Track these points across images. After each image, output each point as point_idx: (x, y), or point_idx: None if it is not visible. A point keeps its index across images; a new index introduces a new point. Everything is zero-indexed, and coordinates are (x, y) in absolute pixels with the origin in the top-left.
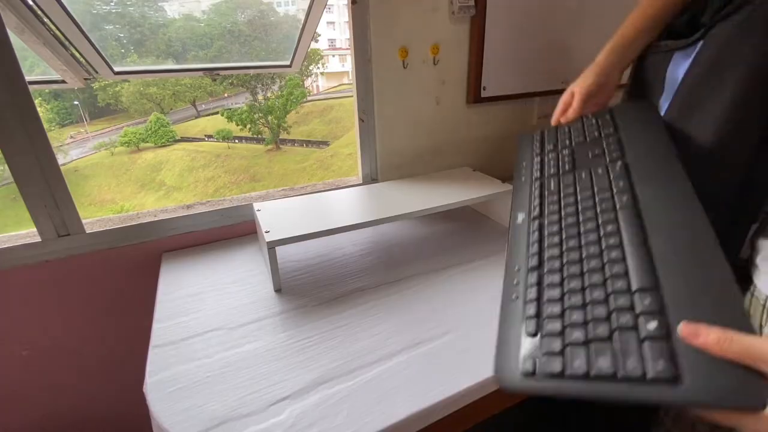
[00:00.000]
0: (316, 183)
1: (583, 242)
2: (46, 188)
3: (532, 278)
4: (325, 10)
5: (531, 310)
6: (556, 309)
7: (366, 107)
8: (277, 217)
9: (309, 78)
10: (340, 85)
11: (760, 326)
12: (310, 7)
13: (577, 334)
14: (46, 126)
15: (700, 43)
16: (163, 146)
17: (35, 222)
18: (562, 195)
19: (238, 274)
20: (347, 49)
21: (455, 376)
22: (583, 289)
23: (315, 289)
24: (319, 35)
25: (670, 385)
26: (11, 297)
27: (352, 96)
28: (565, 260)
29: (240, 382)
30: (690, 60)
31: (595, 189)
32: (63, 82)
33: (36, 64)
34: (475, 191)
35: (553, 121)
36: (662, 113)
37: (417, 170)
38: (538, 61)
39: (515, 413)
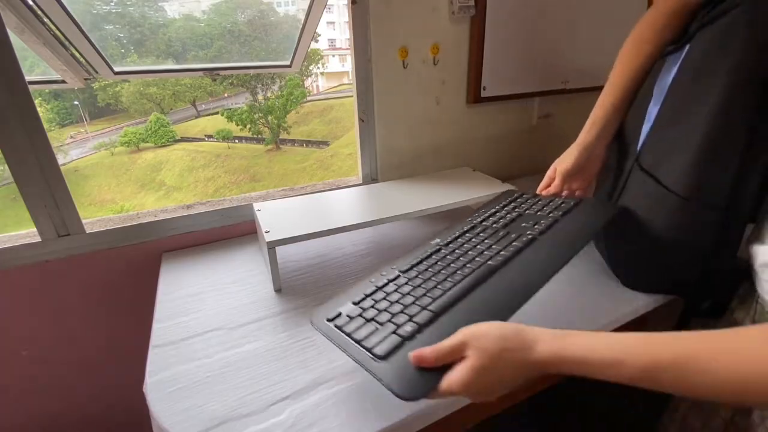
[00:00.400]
0: (316, 183)
1: (442, 270)
2: (46, 188)
3: (392, 275)
4: (325, 10)
5: (368, 290)
6: (379, 296)
7: (366, 107)
8: (277, 217)
9: (309, 78)
10: (340, 85)
11: None
12: (310, 7)
13: (371, 313)
14: (46, 126)
15: (687, 47)
16: (163, 146)
17: (35, 222)
18: (474, 239)
19: (238, 274)
20: (347, 49)
21: None
22: (407, 294)
23: (315, 289)
24: (319, 35)
25: (377, 361)
26: (11, 297)
27: (352, 96)
28: (420, 275)
29: (240, 382)
30: (677, 65)
31: (494, 245)
32: (63, 82)
33: (36, 64)
34: (475, 191)
35: (537, 191)
36: (651, 120)
37: (417, 170)
38: (538, 61)
39: (515, 413)
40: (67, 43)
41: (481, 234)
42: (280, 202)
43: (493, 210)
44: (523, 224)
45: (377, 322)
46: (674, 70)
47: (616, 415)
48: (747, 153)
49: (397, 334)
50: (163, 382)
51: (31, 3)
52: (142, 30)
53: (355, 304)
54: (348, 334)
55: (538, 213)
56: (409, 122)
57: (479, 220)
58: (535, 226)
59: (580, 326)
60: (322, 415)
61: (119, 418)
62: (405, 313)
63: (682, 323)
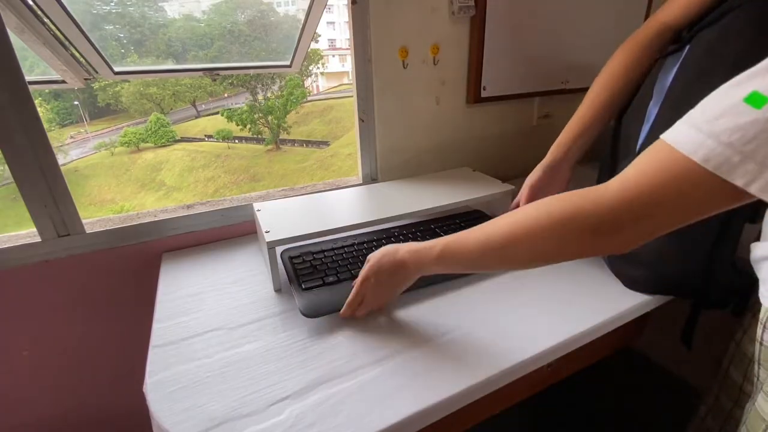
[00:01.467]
0: (316, 183)
1: None
2: (46, 188)
3: (348, 242)
4: (325, 10)
5: (327, 247)
6: (330, 253)
7: (366, 107)
8: (277, 217)
9: (309, 78)
10: (340, 85)
11: None
12: (310, 7)
13: (317, 262)
14: (46, 126)
15: (687, 48)
16: (163, 146)
17: (35, 222)
18: (419, 235)
19: (238, 274)
20: (347, 49)
21: (455, 375)
22: (349, 258)
23: None
24: (319, 35)
25: (301, 291)
26: (11, 297)
27: (352, 96)
28: (366, 249)
29: (240, 382)
30: (677, 65)
31: None
32: (63, 82)
33: (36, 64)
34: (475, 191)
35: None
36: (651, 119)
37: (417, 170)
38: (538, 61)
39: (515, 413)
40: (67, 43)
41: (427, 235)
42: (280, 202)
43: (451, 222)
44: None
45: (317, 269)
46: (674, 70)
47: (617, 415)
48: None
49: (322, 280)
50: (163, 382)
51: (31, 3)
52: (142, 30)
53: (313, 253)
54: (295, 269)
55: None
56: (409, 122)
57: (434, 225)
58: None
59: (582, 324)
60: (322, 415)
61: (119, 418)
62: (337, 270)
63: (692, 318)
